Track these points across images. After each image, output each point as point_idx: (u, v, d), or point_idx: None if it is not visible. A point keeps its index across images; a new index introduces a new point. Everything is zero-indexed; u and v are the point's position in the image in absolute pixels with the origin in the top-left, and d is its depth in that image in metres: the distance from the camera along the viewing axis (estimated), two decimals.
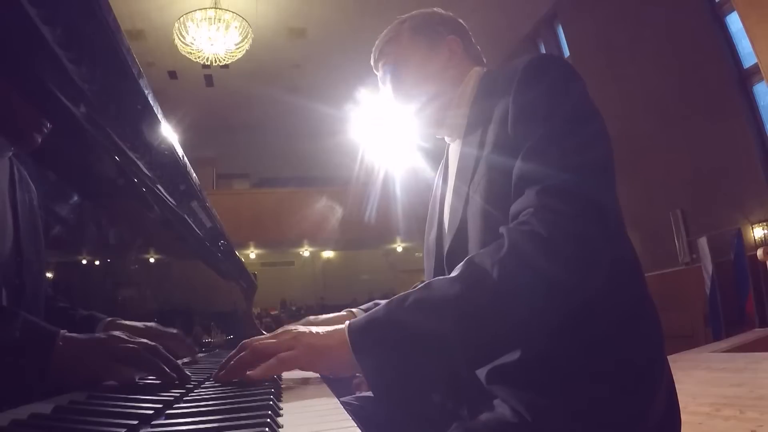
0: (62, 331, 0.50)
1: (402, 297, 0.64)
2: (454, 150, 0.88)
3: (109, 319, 0.67)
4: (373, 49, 0.95)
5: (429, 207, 0.98)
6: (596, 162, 0.67)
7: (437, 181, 0.98)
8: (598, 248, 0.62)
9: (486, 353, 0.65)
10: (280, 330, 0.69)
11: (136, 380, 0.56)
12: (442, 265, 0.83)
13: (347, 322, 0.64)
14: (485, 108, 0.78)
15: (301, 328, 0.66)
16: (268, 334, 0.69)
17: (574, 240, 0.61)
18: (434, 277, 0.87)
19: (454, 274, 0.64)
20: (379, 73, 0.95)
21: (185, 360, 0.72)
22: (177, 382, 0.58)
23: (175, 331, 0.69)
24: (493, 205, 0.72)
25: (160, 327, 0.70)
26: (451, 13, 0.94)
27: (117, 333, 0.56)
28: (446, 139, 0.94)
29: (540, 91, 0.71)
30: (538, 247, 0.61)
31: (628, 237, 0.74)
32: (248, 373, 0.60)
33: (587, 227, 0.62)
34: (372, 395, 0.81)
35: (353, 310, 0.94)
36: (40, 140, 0.54)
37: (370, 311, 0.66)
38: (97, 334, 0.55)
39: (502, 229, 0.65)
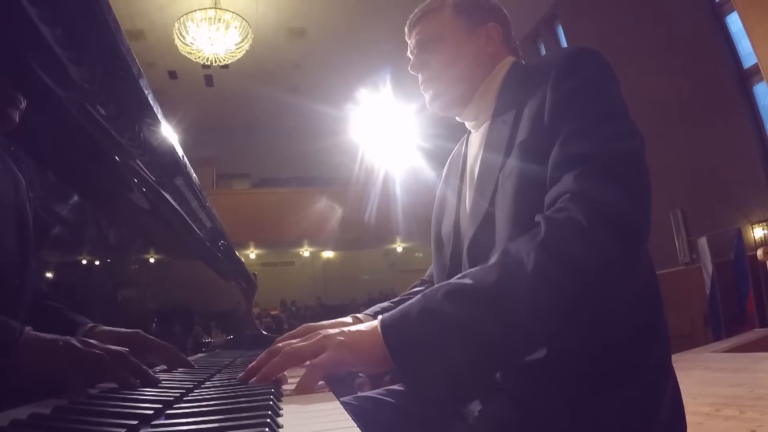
0: (28, 328, 0.47)
1: (434, 289, 0.63)
2: (477, 138, 0.87)
3: (91, 324, 0.65)
4: (411, 16, 0.92)
5: (437, 198, 0.96)
6: (633, 154, 0.66)
7: (450, 169, 0.97)
8: (638, 239, 0.60)
9: (522, 344, 0.62)
10: (302, 328, 0.67)
11: (94, 389, 0.53)
12: (460, 254, 0.81)
13: (379, 317, 0.63)
14: (517, 97, 0.77)
15: (331, 330, 0.65)
16: (298, 338, 0.67)
17: (615, 229, 0.59)
18: (449, 269, 0.85)
19: (490, 263, 0.62)
20: (411, 43, 0.92)
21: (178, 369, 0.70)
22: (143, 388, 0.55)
23: (162, 342, 0.66)
24: (525, 193, 0.70)
25: (146, 335, 0.67)
26: (497, 2, 0.92)
27: (86, 338, 0.53)
28: (467, 125, 0.92)
29: (578, 82, 0.70)
30: (575, 235, 0.59)
31: None
32: (291, 391, 0.58)
33: (628, 216, 0.60)
34: (372, 395, 0.81)
35: (358, 315, 0.92)
36: (15, 118, 0.51)
37: (402, 305, 0.64)
38: (64, 337, 0.51)
39: (538, 217, 0.63)
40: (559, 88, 0.70)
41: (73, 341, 0.51)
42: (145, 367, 0.57)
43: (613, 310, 0.64)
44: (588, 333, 0.64)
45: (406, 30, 0.93)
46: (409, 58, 0.91)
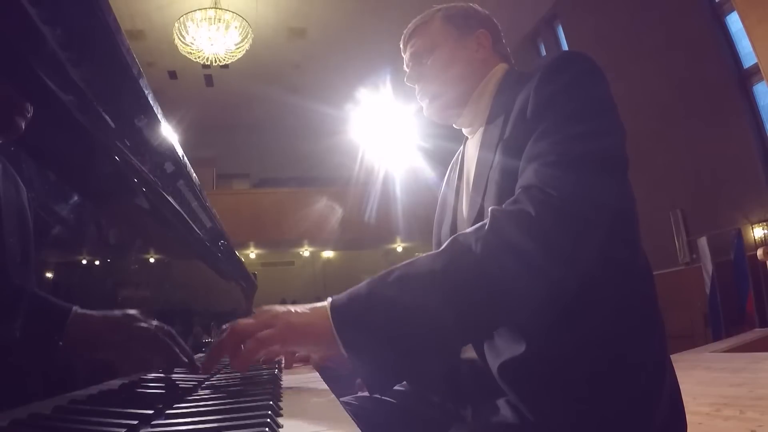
0: (75, 307, 0.49)
1: (385, 273, 0.64)
2: (473, 143, 0.89)
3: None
4: (404, 32, 0.96)
5: (439, 201, 0.98)
6: (601, 153, 0.68)
7: (450, 175, 0.99)
8: (586, 235, 0.62)
9: (472, 327, 0.63)
10: (259, 311, 0.67)
11: (146, 361, 0.55)
12: None
13: (329, 299, 0.63)
14: (507, 102, 0.79)
15: (280, 308, 0.65)
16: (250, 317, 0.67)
17: (561, 222, 0.62)
18: None
19: (439, 249, 0.64)
20: (406, 57, 0.95)
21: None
22: (189, 370, 0.57)
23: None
24: (509, 188, 0.72)
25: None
26: (486, 12, 0.95)
27: (132, 312, 0.55)
28: (464, 131, 0.95)
29: (560, 83, 0.72)
30: (521, 225, 0.62)
31: (639, 238, 0.74)
32: (231, 363, 0.59)
33: (577, 212, 0.62)
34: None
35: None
36: (22, 126, 0.52)
37: (353, 288, 0.65)
38: (112, 312, 0.53)
39: (490, 209, 0.66)
40: (541, 90, 0.72)
41: (120, 316, 0.52)
42: (189, 350, 0.58)
43: (602, 307, 0.65)
44: (564, 336, 0.65)
45: (401, 46, 0.96)
46: (406, 71, 0.95)
